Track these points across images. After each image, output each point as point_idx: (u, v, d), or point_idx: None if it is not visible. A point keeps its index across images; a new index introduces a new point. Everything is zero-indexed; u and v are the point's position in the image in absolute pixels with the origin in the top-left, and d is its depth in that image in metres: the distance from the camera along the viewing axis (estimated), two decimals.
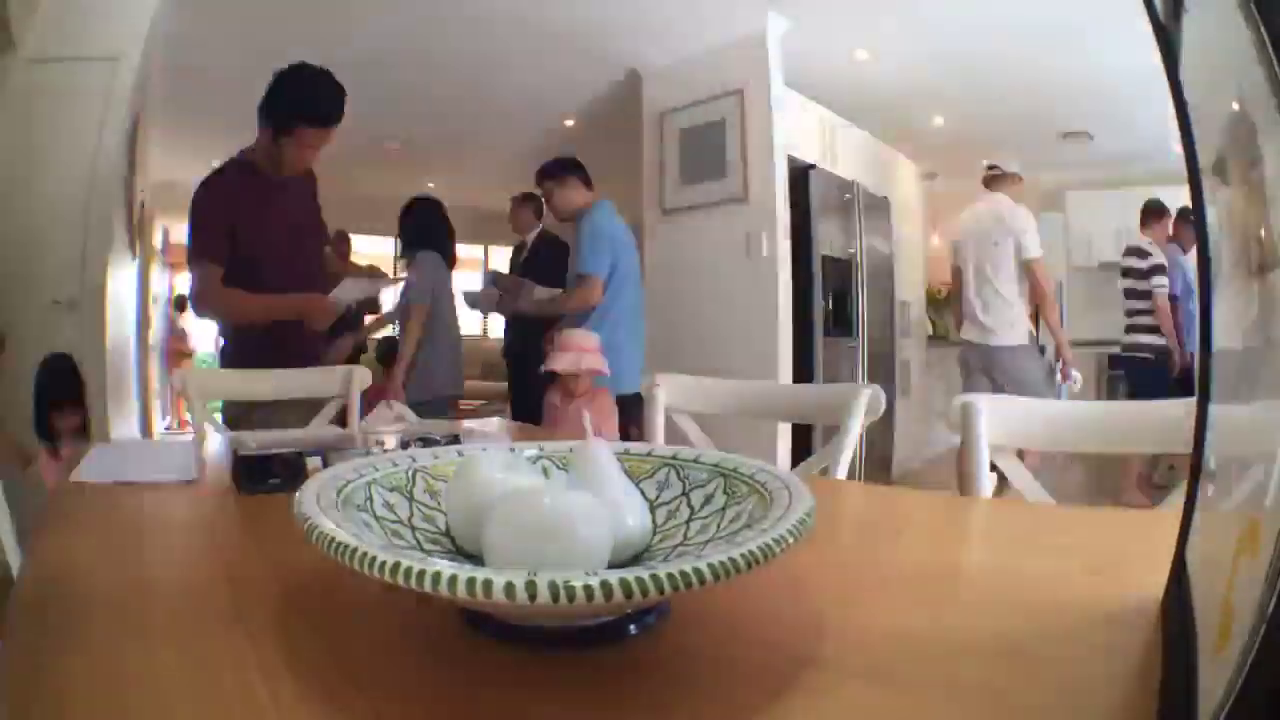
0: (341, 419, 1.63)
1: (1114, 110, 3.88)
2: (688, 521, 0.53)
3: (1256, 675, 0.22)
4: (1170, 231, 3.60)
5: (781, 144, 3.33)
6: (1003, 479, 1.00)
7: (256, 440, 0.89)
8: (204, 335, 5.94)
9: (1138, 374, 3.62)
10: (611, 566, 0.43)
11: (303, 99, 1.73)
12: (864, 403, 1.16)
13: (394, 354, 2.80)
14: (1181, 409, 0.92)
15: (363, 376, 1.67)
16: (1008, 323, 3.17)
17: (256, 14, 3.04)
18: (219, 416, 1.80)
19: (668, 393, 1.42)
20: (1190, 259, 3.39)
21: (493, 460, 0.51)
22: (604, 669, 0.41)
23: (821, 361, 3.59)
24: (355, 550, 0.37)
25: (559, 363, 2.11)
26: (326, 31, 3.20)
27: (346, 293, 1.92)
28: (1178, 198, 3.43)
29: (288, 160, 1.78)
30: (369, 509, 0.50)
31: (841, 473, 1.14)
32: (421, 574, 0.35)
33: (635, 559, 0.49)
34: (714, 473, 0.56)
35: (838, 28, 3.33)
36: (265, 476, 0.85)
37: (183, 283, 6.35)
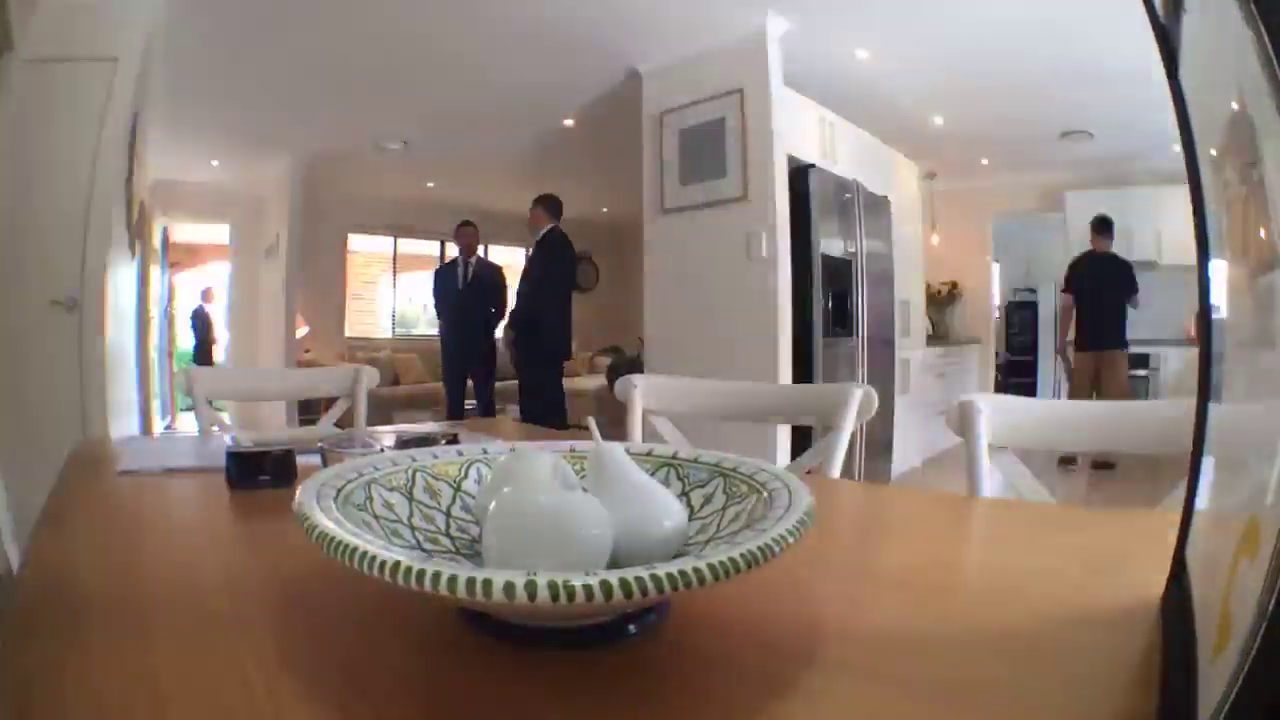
0: (347, 420, 1.62)
1: (1114, 110, 3.87)
2: (687, 521, 0.53)
3: (1256, 675, 0.22)
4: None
5: (781, 144, 3.33)
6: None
7: (249, 438, 0.89)
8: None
9: None
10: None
11: None
12: (856, 403, 1.15)
13: None
14: (1181, 409, 0.92)
15: (370, 376, 1.63)
16: None
17: (256, 15, 3.04)
18: None
19: (644, 394, 1.33)
20: None
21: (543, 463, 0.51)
22: (604, 669, 0.41)
23: (821, 361, 3.58)
24: (355, 550, 0.37)
25: None
26: (327, 32, 3.21)
27: None
28: (1177, 197, 3.46)
29: None
30: (369, 509, 0.50)
31: (834, 473, 1.13)
32: (421, 574, 0.35)
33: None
34: (714, 472, 0.56)
35: (838, 28, 3.32)
36: (256, 473, 0.86)
37: (182, 282, 6.36)
